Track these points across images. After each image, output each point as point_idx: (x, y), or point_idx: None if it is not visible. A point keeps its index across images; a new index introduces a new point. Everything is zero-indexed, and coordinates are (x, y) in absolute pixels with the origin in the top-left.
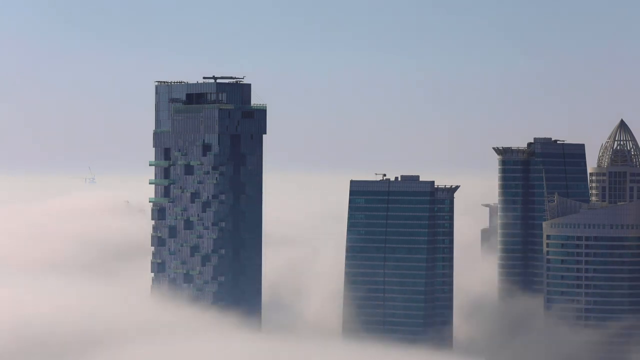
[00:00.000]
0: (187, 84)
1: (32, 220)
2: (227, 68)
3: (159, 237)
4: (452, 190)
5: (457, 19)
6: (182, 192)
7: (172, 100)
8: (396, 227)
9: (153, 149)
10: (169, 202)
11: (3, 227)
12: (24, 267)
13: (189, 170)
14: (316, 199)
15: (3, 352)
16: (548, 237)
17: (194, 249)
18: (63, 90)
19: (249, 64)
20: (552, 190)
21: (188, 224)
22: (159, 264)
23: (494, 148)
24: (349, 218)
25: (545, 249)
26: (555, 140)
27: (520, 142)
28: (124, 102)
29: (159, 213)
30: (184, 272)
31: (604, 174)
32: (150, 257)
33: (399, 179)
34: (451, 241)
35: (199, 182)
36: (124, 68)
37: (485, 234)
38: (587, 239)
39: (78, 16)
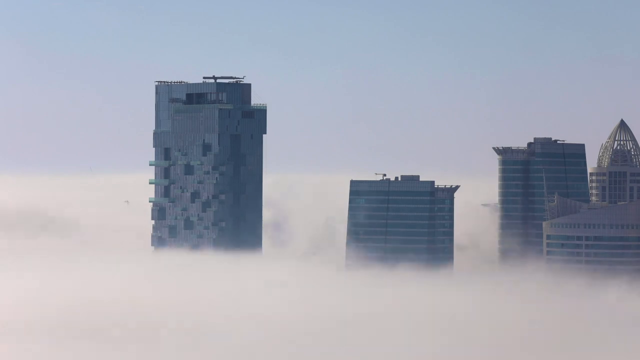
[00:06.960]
0: (187, 84)
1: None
2: (227, 68)
3: (159, 237)
4: (452, 190)
5: (456, 19)
6: (182, 192)
7: (172, 100)
8: (396, 227)
9: (153, 149)
10: (169, 202)
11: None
12: None
13: (189, 170)
14: (316, 199)
15: None
16: (548, 237)
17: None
18: (62, 89)
19: (249, 64)
20: (552, 190)
21: (188, 224)
22: None
23: (494, 148)
24: (349, 218)
25: (545, 249)
26: (555, 140)
27: (520, 142)
28: (124, 102)
29: (159, 213)
30: None
31: (604, 174)
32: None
33: (399, 179)
34: (451, 241)
35: (199, 182)
36: (124, 68)
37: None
38: (587, 239)
39: (77, 16)
